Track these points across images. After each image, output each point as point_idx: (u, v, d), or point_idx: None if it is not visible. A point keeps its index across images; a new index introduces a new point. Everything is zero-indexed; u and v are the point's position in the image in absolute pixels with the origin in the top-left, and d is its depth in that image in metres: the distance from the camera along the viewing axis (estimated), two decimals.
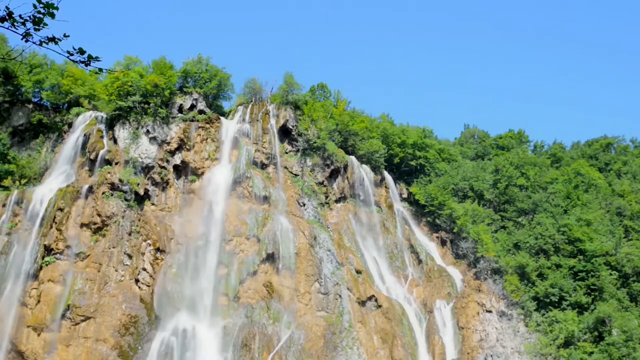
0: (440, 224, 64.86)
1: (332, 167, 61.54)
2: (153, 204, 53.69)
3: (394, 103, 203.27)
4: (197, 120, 59.27)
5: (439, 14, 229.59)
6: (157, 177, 54.63)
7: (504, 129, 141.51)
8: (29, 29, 10.16)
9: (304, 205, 57.72)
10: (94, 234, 49.35)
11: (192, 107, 60.94)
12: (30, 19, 10.09)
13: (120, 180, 51.86)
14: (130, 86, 56.15)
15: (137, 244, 49.25)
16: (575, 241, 58.12)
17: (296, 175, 59.77)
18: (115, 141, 55.56)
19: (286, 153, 61.27)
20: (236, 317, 48.89)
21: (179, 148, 57.11)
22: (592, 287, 55.00)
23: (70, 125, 57.91)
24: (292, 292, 50.77)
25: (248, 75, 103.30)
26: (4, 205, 50.03)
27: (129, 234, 49.59)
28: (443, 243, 64.63)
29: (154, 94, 57.59)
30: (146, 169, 54.60)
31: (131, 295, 46.74)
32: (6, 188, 51.86)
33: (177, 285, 49.39)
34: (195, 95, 61.49)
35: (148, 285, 47.81)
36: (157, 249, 49.90)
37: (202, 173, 56.68)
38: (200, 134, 58.49)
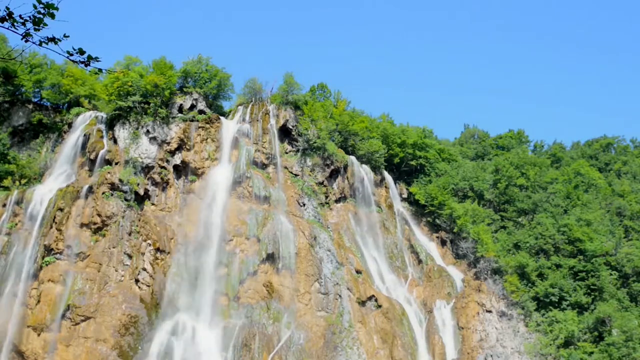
0: (440, 224, 64.82)
1: (332, 167, 61.50)
2: (153, 204, 53.66)
3: (394, 103, 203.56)
4: (197, 120, 59.23)
5: (439, 14, 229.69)
6: (157, 177, 54.61)
7: (504, 129, 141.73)
8: (29, 29, 10.16)
9: (304, 205, 57.69)
10: (94, 234, 49.35)
11: (192, 107, 60.90)
12: (30, 19, 10.09)
13: (120, 180, 51.84)
14: (130, 86, 56.11)
15: (137, 244, 49.24)
16: (575, 241, 58.16)
17: (296, 175, 59.73)
18: (115, 141, 55.54)
19: (286, 153, 61.22)
20: (236, 317, 48.89)
21: (179, 148, 57.09)
22: (592, 287, 55.03)
23: (70, 125, 57.90)
24: (292, 292, 50.74)
25: (248, 75, 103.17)
26: (4, 205, 50.02)
27: (129, 234, 49.58)
28: (443, 243, 64.60)
29: (154, 94, 57.57)
30: (146, 169, 54.58)
31: (131, 295, 46.74)
32: (6, 188, 51.82)
33: (177, 285, 49.37)
34: (195, 95, 61.45)
35: (148, 285, 47.80)
36: (157, 249, 49.88)
37: (202, 173, 56.66)
38: (200, 134, 58.46)
